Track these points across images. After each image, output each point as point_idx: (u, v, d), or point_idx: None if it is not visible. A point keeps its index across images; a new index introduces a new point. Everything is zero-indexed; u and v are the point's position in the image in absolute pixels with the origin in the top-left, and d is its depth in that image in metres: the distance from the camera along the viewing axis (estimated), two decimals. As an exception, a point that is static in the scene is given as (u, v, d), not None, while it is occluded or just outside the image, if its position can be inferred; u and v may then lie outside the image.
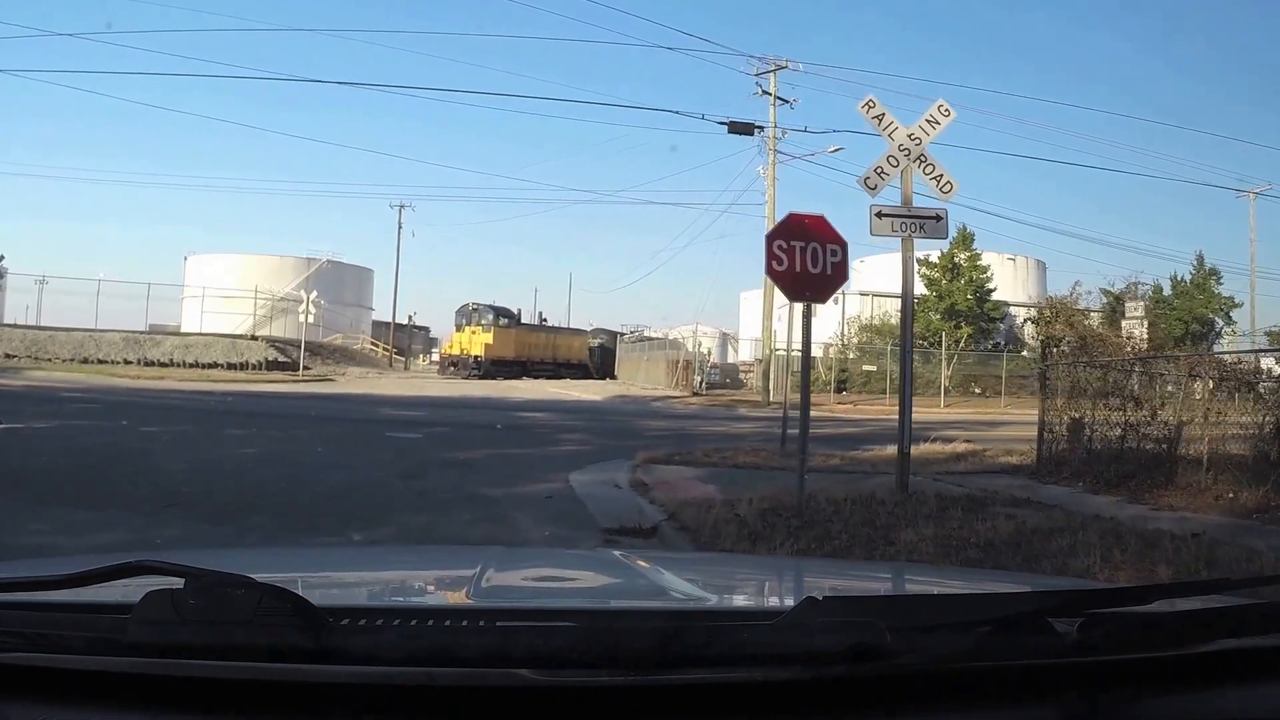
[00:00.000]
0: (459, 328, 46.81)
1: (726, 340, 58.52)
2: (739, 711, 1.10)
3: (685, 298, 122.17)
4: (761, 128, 29.98)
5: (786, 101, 30.67)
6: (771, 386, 30.92)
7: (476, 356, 44.85)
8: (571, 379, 47.06)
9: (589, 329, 58.67)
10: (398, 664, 1.06)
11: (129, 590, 1.13)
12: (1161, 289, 48.03)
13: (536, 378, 45.88)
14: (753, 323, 52.05)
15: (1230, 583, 1.77)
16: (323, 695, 1.06)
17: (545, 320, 54.85)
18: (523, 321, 49.62)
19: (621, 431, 17.50)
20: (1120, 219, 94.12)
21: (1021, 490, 9.84)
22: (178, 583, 1.10)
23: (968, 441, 15.69)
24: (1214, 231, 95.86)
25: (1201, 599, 1.45)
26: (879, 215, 8.13)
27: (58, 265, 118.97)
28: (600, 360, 54.11)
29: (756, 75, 30.39)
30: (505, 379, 42.62)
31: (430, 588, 1.94)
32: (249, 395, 23.82)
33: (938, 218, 8.28)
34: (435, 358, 51.92)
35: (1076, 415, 11.83)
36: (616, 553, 2.38)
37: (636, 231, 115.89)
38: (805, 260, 7.08)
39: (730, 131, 28.86)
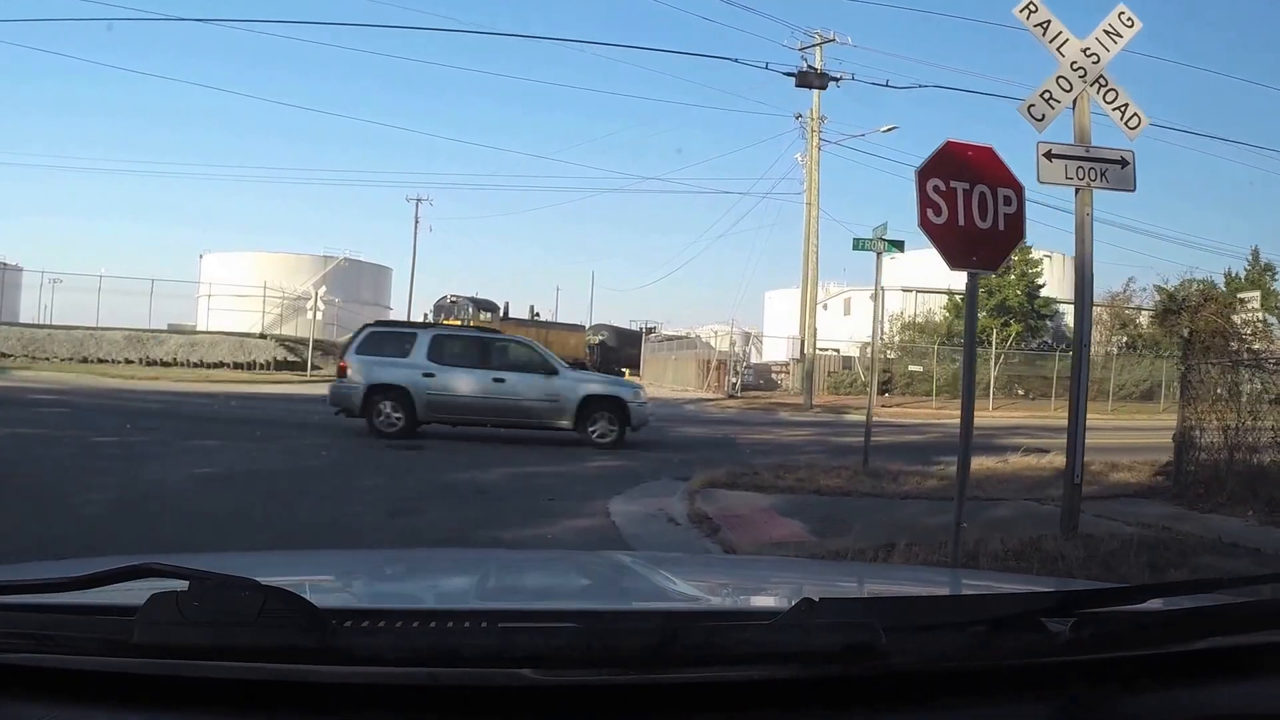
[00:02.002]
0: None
1: (750, 339, 55.77)
2: (737, 710, 1.09)
3: (699, 297, 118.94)
4: (838, 79, 27.32)
5: (834, 79, 28.26)
6: (814, 388, 28.58)
7: None
8: None
9: (589, 325, 53.90)
10: (401, 664, 1.05)
11: (134, 592, 1.11)
12: (1214, 286, 45.70)
13: None
14: (777, 322, 49.72)
15: (1221, 582, 1.57)
16: (326, 696, 1.05)
17: (538, 315, 48.84)
18: (510, 315, 44.19)
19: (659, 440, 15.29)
20: (1168, 212, 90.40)
21: (1192, 524, 7.71)
22: (182, 585, 1.08)
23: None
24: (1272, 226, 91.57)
25: (1192, 598, 1.44)
26: (1049, 156, 5.92)
27: (75, 264, 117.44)
28: (602, 359, 48.83)
29: (801, 49, 28.02)
30: None
31: (433, 590, 1.92)
32: (244, 397, 21.66)
33: (1123, 162, 6.05)
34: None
35: (1233, 425, 9.60)
36: (617, 555, 2.25)
37: (656, 230, 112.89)
38: (970, 209, 4.91)
39: (798, 85, 26.33)
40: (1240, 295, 16.02)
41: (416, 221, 56.54)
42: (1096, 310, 45.29)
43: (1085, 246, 6.18)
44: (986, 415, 30.17)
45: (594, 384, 14.61)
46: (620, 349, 51.07)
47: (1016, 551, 5.50)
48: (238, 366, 37.07)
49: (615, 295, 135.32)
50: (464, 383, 13.69)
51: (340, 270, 53.85)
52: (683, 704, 1.08)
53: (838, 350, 39.09)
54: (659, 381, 39.87)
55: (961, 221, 4.88)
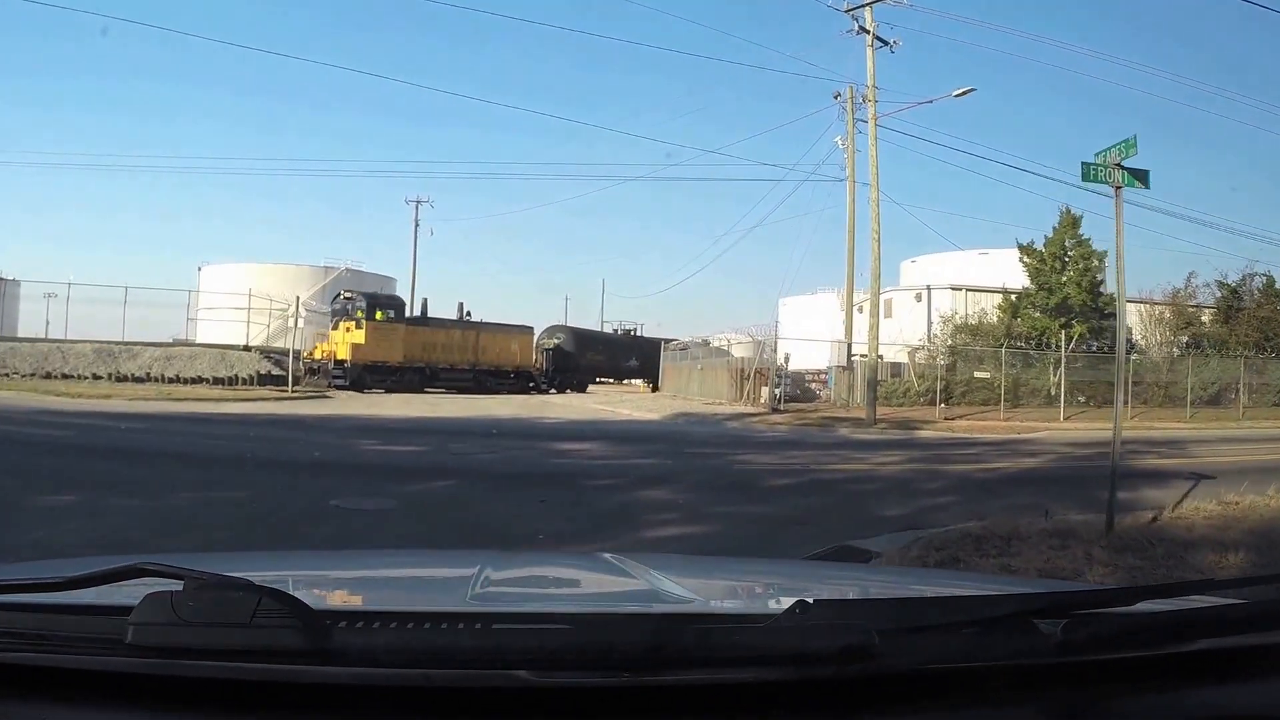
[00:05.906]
0: (334, 325, 35.01)
1: (762, 347, 51.66)
2: (731, 711, 1.08)
3: (710, 305, 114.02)
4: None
5: (886, 43, 24.51)
6: (874, 400, 24.68)
7: (341, 361, 33.30)
8: (508, 392, 36.23)
9: (546, 326, 44.92)
10: (394, 665, 1.04)
11: (129, 592, 1.11)
12: (1274, 280, 42.21)
13: (454, 390, 35.41)
14: (795, 331, 45.38)
15: (1213, 583, 1.62)
16: (320, 696, 1.03)
17: (469, 314, 39.33)
18: (430, 316, 37.31)
19: (725, 480, 11.38)
20: (1217, 201, 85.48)
21: None
22: (177, 585, 1.07)
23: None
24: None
25: (1185, 600, 1.42)
26: None
27: (83, 279, 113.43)
28: (555, 367, 41.49)
29: (849, 10, 24.26)
30: (392, 390, 32.90)
31: (427, 590, 1.94)
32: (196, 420, 17.67)
33: None
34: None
35: None
36: (609, 556, 2.18)
37: (668, 236, 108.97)
38: None
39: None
40: None
41: (416, 225, 53.03)
42: (1158, 309, 41.61)
43: None
44: (1058, 427, 26.38)
45: None
46: (581, 354, 43.09)
47: None
48: (218, 381, 33.46)
49: (626, 302, 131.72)
50: None
51: (342, 280, 50.42)
52: (677, 706, 1.07)
53: (881, 356, 35.27)
54: (683, 393, 36.01)
55: None
